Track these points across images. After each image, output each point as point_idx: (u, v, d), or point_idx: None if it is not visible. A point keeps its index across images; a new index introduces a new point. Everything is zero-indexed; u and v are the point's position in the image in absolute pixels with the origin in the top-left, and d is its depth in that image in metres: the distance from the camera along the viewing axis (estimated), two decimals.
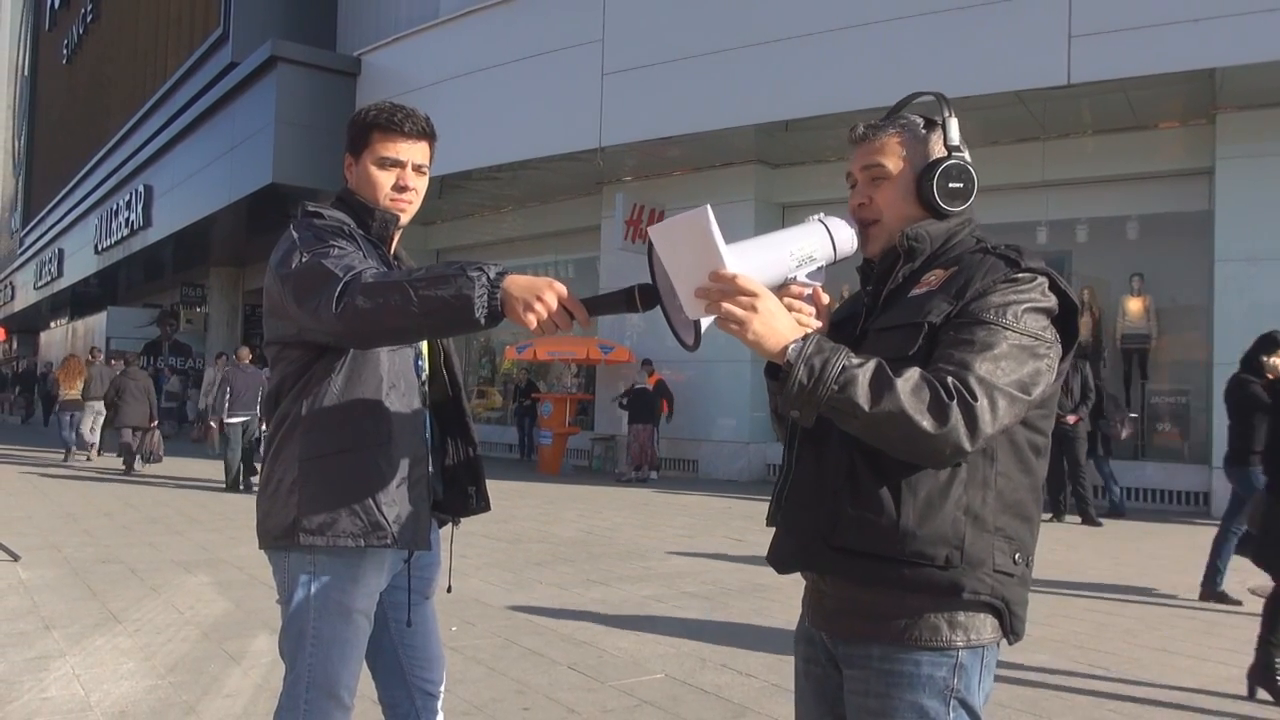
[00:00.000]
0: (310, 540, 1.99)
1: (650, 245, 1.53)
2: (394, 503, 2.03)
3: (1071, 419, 9.84)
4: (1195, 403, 11.99)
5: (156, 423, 14.42)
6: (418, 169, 2.16)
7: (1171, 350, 12.42)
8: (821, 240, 1.61)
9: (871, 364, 1.42)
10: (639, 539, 8.36)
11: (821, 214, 1.66)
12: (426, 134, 2.15)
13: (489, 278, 1.76)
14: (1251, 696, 4.17)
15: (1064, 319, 1.56)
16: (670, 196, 14.66)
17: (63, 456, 15.03)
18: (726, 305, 1.42)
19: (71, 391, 15.42)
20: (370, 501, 2.01)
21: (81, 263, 32.05)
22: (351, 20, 20.70)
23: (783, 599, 5.85)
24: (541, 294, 1.75)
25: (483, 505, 2.28)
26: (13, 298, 47.72)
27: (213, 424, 11.86)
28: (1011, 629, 1.55)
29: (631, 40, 13.79)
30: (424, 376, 2.20)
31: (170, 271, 29.84)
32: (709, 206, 1.41)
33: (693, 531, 8.90)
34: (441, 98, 15.67)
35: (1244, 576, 7.01)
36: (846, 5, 11.90)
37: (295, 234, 2.02)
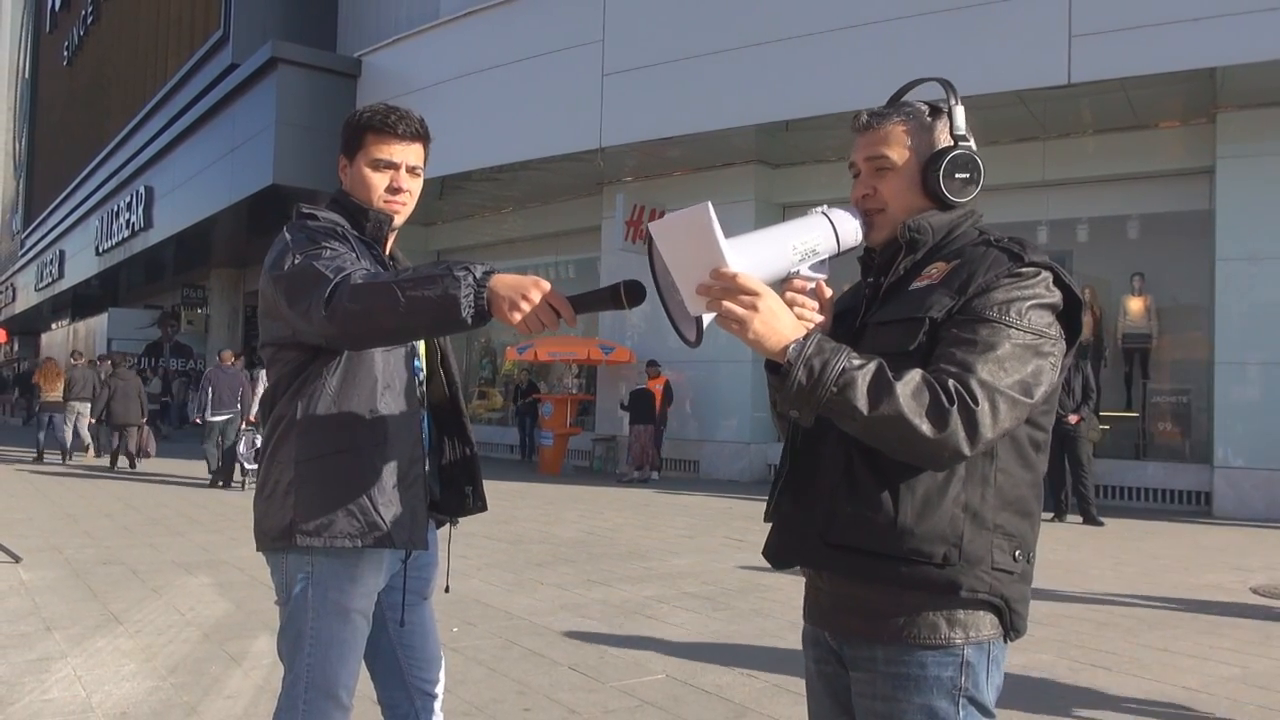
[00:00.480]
0: (307, 541, 1.99)
1: (650, 241, 1.53)
2: (390, 503, 2.03)
3: (1073, 418, 9.84)
4: (1196, 402, 11.98)
5: (146, 420, 14.88)
6: (412, 170, 2.16)
7: (1172, 350, 12.42)
8: (825, 233, 1.59)
9: (872, 366, 1.41)
10: (640, 539, 8.35)
11: (825, 205, 1.64)
12: (420, 135, 2.15)
13: (475, 277, 1.76)
14: None
15: (1068, 314, 1.54)
16: (670, 197, 14.66)
17: (34, 457, 15.39)
18: (727, 304, 1.41)
19: (52, 393, 15.73)
20: (366, 502, 2.01)
21: (82, 264, 32.07)
22: (352, 21, 20.71)
23: (784, 599, 5.84)
24: (527, 292, 1.75)
25: (479, 505, 2.28)
26: (14, 299, 47.77)
27: (197, 420, 12.37)
28: (1012, 626, 1.54)
29: (632, 40, 13.79)
30: (421, 377, 2.20)
31: (171, 273, 29.87)
32: (709, 203, 1.40)
33: (694, 532, 8.90)
34: (442, 98, 15.68)
35: (1245, 577, 7.01)
36: (846, 5, 11.90)
37: (288, 236, 2.02)
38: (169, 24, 26.27)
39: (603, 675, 4.28)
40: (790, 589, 5.92)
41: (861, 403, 1.38)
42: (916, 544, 1.47)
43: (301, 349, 2.04)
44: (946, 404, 1.39)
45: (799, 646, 1.79)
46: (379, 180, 2.13)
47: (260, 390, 11.57)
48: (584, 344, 15.35)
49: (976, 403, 1.40)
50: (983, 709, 1.53)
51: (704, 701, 3.95)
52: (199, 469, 12.93)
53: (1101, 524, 9.63)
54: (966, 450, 1.41)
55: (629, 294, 1.72)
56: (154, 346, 28.23)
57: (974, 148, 1.62)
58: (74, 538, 7.81)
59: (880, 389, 1.39)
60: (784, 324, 1.43)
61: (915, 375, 1.41)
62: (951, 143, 1.62)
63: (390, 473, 2.04)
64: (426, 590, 2.27)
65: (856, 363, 1.40)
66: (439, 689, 2.26)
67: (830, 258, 1.62)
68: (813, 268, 1.59)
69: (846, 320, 1.67)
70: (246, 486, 11.67)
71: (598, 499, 11.51)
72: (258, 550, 2.11)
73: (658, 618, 5.41)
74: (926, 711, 1.50)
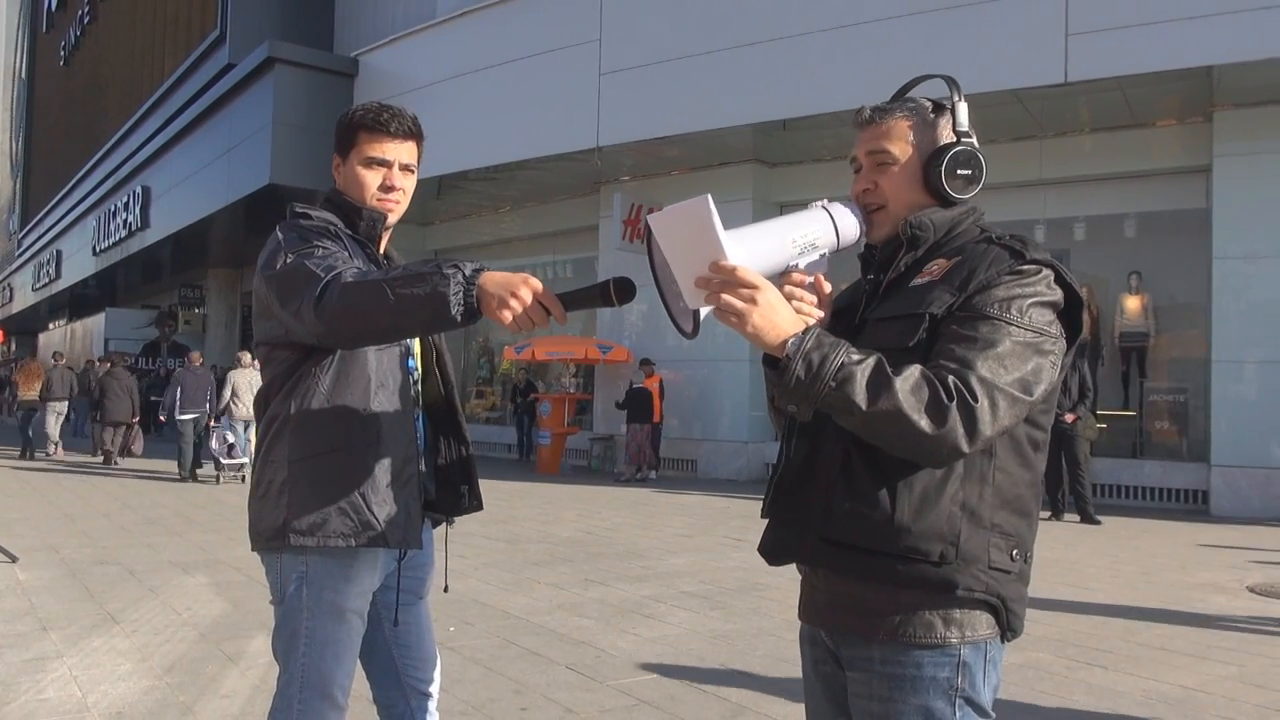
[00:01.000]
0: (301, 541, 1.98)
1: (649, 233, 1.52)
2: (384, 502, 2.03)
3: (1069, 417, 9.84)
4: (1193, 401, 11.99)
5: (138, 419, 15.53)
6: (405, 168, 2.15)
7: (1169, 348, 12.43)
8: (825, 227, 1.58)
9: (871, 361, 1.40)
10: (638, 539, 8.35)
11: (825, 200, 1.62)
12: (413, 134, 2.15)
13: (464, 275, 1.75)
14: None
15: (1068, 313, 1.53)
16: (668, 196, 14.63)
17: (19, 453, 15.93)
18: (726, 297, 1.40)
19: (30, 393, 16.55)
20: (360, 501, 2.00)
21: (80, 264, 32.05)
22: (349, 21, 20.70)
23: (781, 598, 5.84)
24: (516, 290, 1.74)
25: (475, 504, 2.27)
26: (11, 299, 47.73)
27: (162, 418, 13.28)
28: (1009, 626, 1.53)
29: (629, 40, 13.79)
30: (416, 376, 2.20)
31: (168, 273, 29.85)
32: (709, 195, 1.39)
33: (691, 531, 8.90)
34: (439, 98, 15.67)
35: (1243, 575, 7.02)
36: (843, 4, 11.90)
37: (281, 235, 2.02)
38: (166, 24, 26.25)
39: (600, 674, 4.28)
40: (788, 588, 5.92)
41: (860, 397, 1.37)
42: (913, 541, 1.46)
43: (295, 348, 2.03)
44: (945, 400, 1.38)
45: (796, 646, 1.78)
46: (371, 178, 2.12)
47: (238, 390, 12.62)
48: (581, 343, 15.35)
49: (976, 399, 1.39)
50: (979, 709, 1.52)
51: (701, 701, 3.94)
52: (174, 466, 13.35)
53: (1098, 523, 9.63)
54: (965, 447, 1.40)
55: (618, 291, 1.72)
56: (151, 346, 28.21)
57: (976, 145, 1.61)
58: (71, 537, 7.80)
59: (879, 384, 1.38)
60: (783, 318, 1.42)
61: (914, 371, 1.41)
62: (954, 139, 1.61)
63: (384, 472, 2.04)
64: (422, 590, 2.26)
65: (856, 357, 1.40)
66: (435, 688, 2.26)
67: (830, 253, 1.60)
68: (812, 263, 1.58)
69: (846, 317, 1.66)
70: (221, 481, 12.39)
71: (595, 498, 11.50)
72: (253, 550, 2.10)
73: (655, 617, 5.40)
74: (923, 712, 1.49)
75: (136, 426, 15.54)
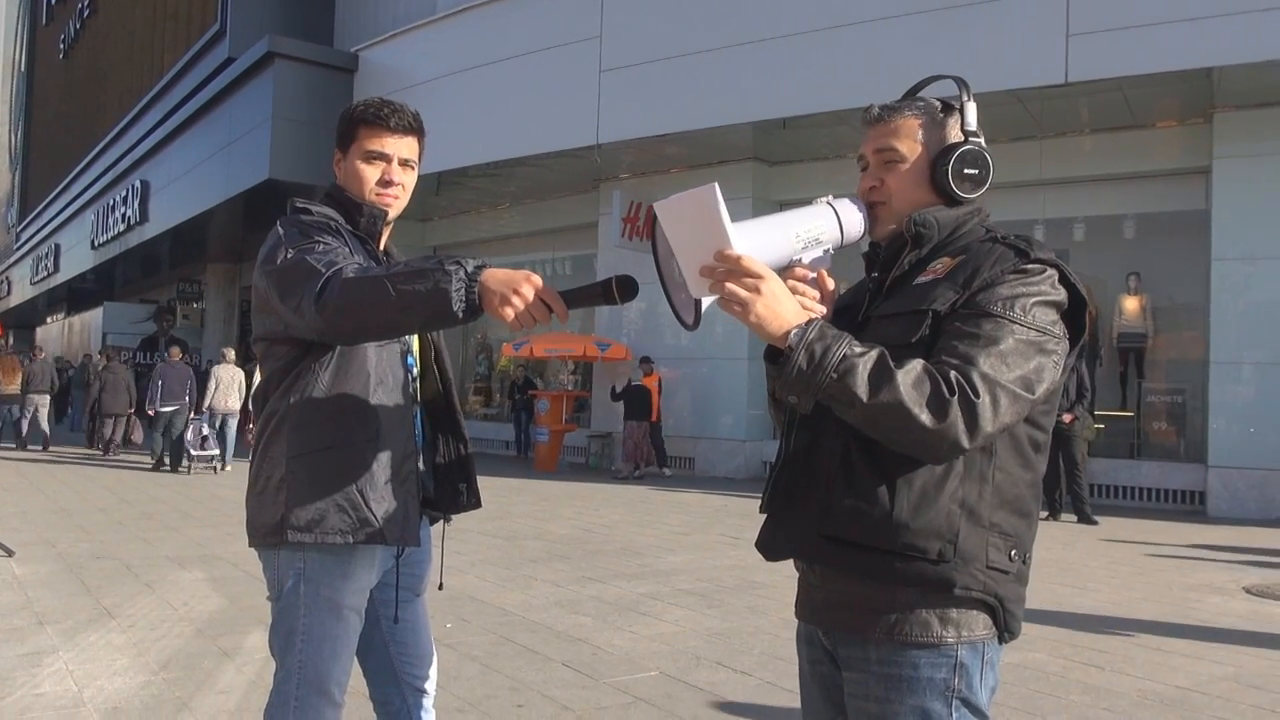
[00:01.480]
0: (298, 537, 1.98)
1: (654, 221, 1.51)
2: (382, 499, 2.02)
3: (1067, 418, 9.84)
4: (1192, 402, 12.00)
5: (134, 411, 15.77)
6: (404, 164, 2.15)
7: (1168, 349, 12.43)
8: (829, 223, 1.58)
9: (873, 354, 1.39)
10: (635, 536, 8.35)
11: (830, 196, 1.62)
12: (414, 129, 2.14)
13: (466, 271, 1.75)
14: None
15: (1072, 313, 1.53)
16: (667, 194, 14.46)
17: (15, 446, 16.20)
18: (730, 286, 1.39)
19: (10, 387, 16.64)
20: (358, 498, 2.00)
21: (78, 258, 31.99)
22: (349, 16, 20.67)
23: (778, 596, 5.84)
24: (518, 287, 1.74)
25: (473, 502, 2.27)
26: (9, 293, 47.62)
27: (149, 412, 13.56)
28: (1006, 627, 1.52)
29: (629, 37, 13.77)
30: (414, 373, 2.19)
31: (167, 267, 29.80)
32: (716, 184, 1.38)
33: (689, 529, 8.90)
34: (439, 94, 15.65)
35: (1239, 576, 7.03)
36: (843, 3, 11.89)
37: (281, 230, 2.02)
38: (165, 18, 26.19)
39: (596, 672, 4.28)
40: (785, 587, 5.92)
41: (861, 390, 1.37)
42: (911, 538, 1.46)
43: (294, 344, 2.03)
44: (947, 394, 1.38)
45: (793, 644, 1.78)
46: (371, 173, 2.12)
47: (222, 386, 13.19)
48: (580, 340, 15.34)
49: (977, 395, 1.39)
50: (976, 710, 1.52)
51: (697, 699, 3.94)
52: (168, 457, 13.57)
53: (1096, 523, 9.64)
54: (965, 443, 1.39)
55: (621, 289, 1.72)
56: (149, 341, 28.17)
57: (984, 145, 1.61)
58: (67, 532, 7.79)
59: (881, 376, 1.37)
60: (786, 308, 1.42)
61: (917, 365, 1.40)
62: (962, 139, 1.61)
63: (382, 469, 2.03)
64: (420, 587, 2.26)
65: (858, 350, 1.39)
66: (431, 685, 2.26)
67: (833, 249, 1.60)
68: (815, 259, 1.58)
69: (848, 315, 1.66)
70: (193, 471, 13.00)
71: (593, 495, 11.50)
72: (250, 546, 2.10)
73: (652, 614, 5.40)
74: (919, 713, 1.49)
75: (134, 417, 15.72)
